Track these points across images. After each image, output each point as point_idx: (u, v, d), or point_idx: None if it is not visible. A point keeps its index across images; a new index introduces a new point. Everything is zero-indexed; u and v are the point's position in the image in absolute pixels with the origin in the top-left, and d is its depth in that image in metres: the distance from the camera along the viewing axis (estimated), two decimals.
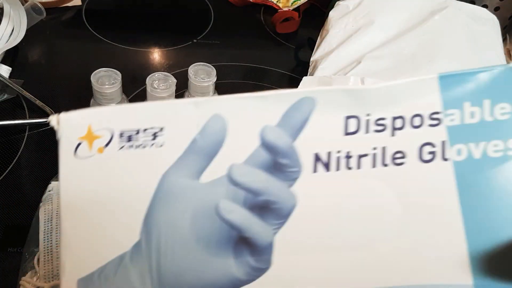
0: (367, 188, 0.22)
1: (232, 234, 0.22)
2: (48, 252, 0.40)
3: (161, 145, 0.22)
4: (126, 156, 0.22)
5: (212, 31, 0.75)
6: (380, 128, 0.22)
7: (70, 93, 0.61)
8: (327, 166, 0.22)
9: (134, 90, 0.61)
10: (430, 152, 0.22)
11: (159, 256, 0.22)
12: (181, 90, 0.56)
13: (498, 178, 0.22)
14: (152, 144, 0.22)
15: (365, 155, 0.22)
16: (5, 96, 0.58)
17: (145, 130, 0.22)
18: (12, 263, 0.43)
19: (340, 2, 0.63)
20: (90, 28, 0.72)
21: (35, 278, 0.39)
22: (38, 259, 0.40)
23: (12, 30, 0.63)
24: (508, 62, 0.62)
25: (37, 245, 0.41)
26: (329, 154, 0.22)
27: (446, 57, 0.53)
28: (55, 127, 0.22)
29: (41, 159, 0.53)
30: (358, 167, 0.22)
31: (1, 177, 0.51)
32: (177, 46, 0.71)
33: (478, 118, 0.22)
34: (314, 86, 0.51)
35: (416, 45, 0.55)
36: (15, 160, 0.52)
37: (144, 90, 0.51)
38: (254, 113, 0.22)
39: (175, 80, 0.51)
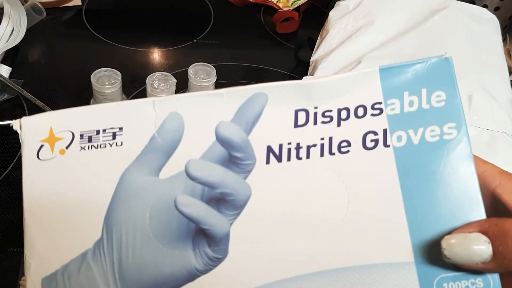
0: (316, 176, 0.24)
1: (190, 227, 0.23)
2: None
3: (121, 144, 0.23)
4: (87, 156, 0.23)
5: (212, 31, 0.75)
6: (327, 119, 0.24)
7: (70, 93, 0.61)
8: (279, 157, 0.24)
9: (134, 90, 0.61)
10: (373, 140, 0.23)
11: (121, 251, 0.23)
12: (181, 90, 0.56)
13: (435, 161, 0.23)
14: (112, 144, 0.23)
15: (314, 145, 0.24)
16: (5, 96, 0.58)
17: (104, 130, 0.23)
18: (12, 263, 0.44)
19: (340, 2, 0.63)
20: (90, 28, 0.72)
21: None
22: None
23: (12, 30, 0.63)
24: (508, 62, 0.61)
25: None
26: (280, 146, 0.24)
27: None
28: (18, 131, 0.23)
29: None
30: (308, 157, 0.23)
31: (1, 177, 0.51)
32: (177, 46, 0.71)
33: (416, 106, 0.23)
34: None
35: (416, 45, 0.55)
36: (15, 160, 0.52)
37: (144, 90, 0.51)
38: (209, 110, 0.23)
39: (175, 80, 0.51)
